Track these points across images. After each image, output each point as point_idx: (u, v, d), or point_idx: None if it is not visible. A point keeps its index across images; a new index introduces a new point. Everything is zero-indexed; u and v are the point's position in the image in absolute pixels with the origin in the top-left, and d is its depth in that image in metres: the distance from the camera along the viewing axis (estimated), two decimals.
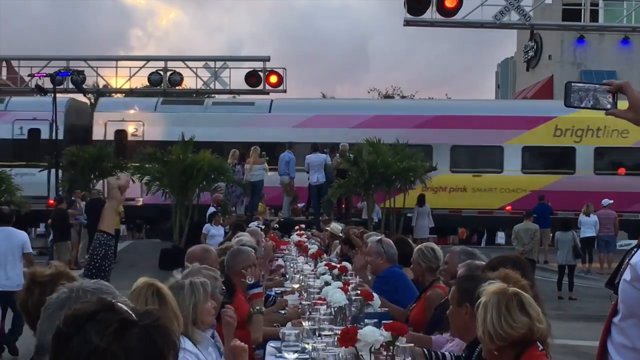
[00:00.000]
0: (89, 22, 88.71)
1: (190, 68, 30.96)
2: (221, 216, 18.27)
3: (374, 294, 5.70)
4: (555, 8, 30.65)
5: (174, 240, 20.38)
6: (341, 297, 5.33)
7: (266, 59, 30.46)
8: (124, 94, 32.40)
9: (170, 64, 30.83)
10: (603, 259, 20.57)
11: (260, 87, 29.86)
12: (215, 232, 17.25)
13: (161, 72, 30.27)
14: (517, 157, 24.27)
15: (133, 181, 21.40)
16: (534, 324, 3.29)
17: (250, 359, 4.83)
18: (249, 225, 13.38)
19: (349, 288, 5.89)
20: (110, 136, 25.36)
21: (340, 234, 12.17)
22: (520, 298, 3.32)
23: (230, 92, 31.44)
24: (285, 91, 30.11)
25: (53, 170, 22.90)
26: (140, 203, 23.75)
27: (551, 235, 21.27)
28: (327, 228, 13.97)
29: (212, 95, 32.73)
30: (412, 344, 3.90)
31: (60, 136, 24.70)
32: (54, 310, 2.39)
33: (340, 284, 5.93)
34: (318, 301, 5.50)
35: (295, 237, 13.40)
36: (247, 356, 4.37)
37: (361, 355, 3.75)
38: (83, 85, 28.14)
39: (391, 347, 3.75)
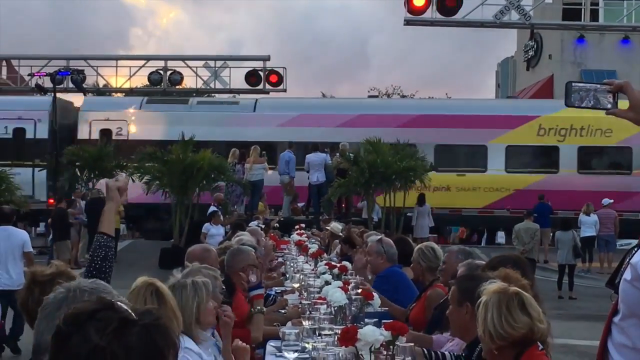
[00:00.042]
0: (89, 21, 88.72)
1: (190, 67, 30.95)
2: (223, 215, 18.30)
3: (374, 294, 5.70)
4: (556, 7, 30.63)
5: (173, 240, 20.39)
6: (341, 296, 5.33)
7: (266, 59, 30.45)
8: (124, 93, 32.41)
9: (170, 63, 30.83)
10: (603, 258, 20.57)
11: (260, 86, 29.85)
12: (215, 231, 17.27)
13: (161, 72, 30.26)
14: (501, 157, 24.25)
15: (133, 180, 21.51)
16: (534, 324, 3.29)
17: (251, 358, 4.83)
18: (249, 225, 13.39)
19: (349, 287, 5.89)
20: (95, 135, 25.25)
21: (340, 234, 12.18)
22: (521, 298, 3.32)
23: (230, 91, 31.45)
24: (285, 90, 30.12)
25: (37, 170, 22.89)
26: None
27: (551, 234, 21.28)
28: (327, 227, 13.98)
29: (213, 94, 32.76)
30: (412, 344, 3.89)
31: (45, 135, 24.78)
32: (52, 310, 2.39)
33: (340, 283, 5.94)
34: (318, 300, 5.49)
35: (295, 236, 13.41)
36: (249, 357, 4.37)
37: (361, 354, 3.75)
38: (83, 85, 28.14)
39: (391, 347, 3.75)
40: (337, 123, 24.66)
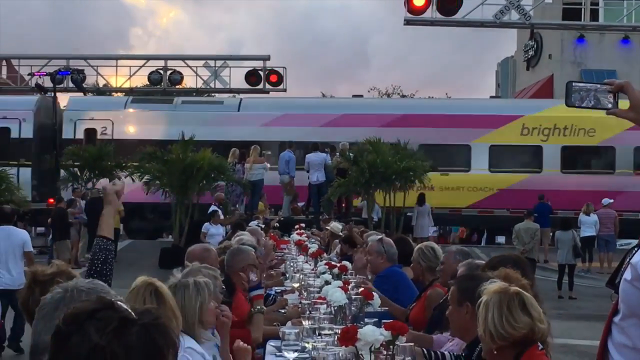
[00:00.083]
0: (89, 21, 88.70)
1: (190, 67, 30.95)
2: (224, 215, 18.32)
3: (374, 293, 5.70)
4: (556, 7, 30.66)
5: (173, 239, 20.39)
6: (341, 296, 5.33)
7: (266, 58, 30.45)
8: (124, 93, 32.40)
9: (170, 63, 30.82)
10: (603, 258, 20.56)
11: (260, 86, 29.85)
12: (214, 231, 17.28)
13: (161, 71, 30.25)
14: (485, 156, 24.24)
15: (133, 180, 21.53)
16: (535, 324, 3.29)
17: (251, 358, 4.83)
18: (249, 224, 13.39)
19: (349, 287, 5.89)
20: (80, 135, 25.24)
21: (340, 233, 12.18)
22: (522, 298, 3.31)
23: (230, 91, 31.44)
24: (285, 90, 30.12)
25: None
26: None
27: (551, 234, 21.28)
28: (327, 227, 13.98)
29: (213, 94, 32.76)
30: (412, 343, 3.89)
31: (30, 135, 24.79)
32: (49, 311, 2.39)
33: (340, 283, 5.93)
34: (318, 300, 5.49)
35: (295, 236, 13.41)
36: (250, 357, 4.37)
37: (361, 354, 3.75)
38: (83, 84, 28.14)
39: (391, 347, 3.75)
40: (321, 123, 24.71)
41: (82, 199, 21.25)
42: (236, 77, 30.45)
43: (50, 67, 27.28)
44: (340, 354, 3.82)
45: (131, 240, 25.08)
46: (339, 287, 5.58)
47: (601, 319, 2.97)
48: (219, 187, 20.67)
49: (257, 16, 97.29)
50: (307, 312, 5.17)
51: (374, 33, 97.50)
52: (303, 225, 17.16)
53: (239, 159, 21.44)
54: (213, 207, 18.50)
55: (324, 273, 6.83)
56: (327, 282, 6.20)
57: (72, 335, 1.72)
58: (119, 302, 1.80)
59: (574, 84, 2.89)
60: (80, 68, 27.98)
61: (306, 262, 9.12)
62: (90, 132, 25.22)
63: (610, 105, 2.85)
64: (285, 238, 14.79)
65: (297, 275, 8.02)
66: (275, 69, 30.23)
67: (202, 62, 31.20)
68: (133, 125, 25.24)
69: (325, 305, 5.33)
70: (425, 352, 4.30)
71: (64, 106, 26.85)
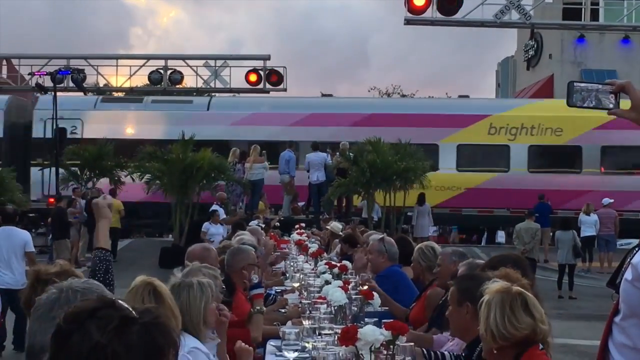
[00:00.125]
0: (89, 20, 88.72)
1: (190, 67, 30.90)
2: (225, 214, 18.32)
3: (374, 293, 5.70)
4: (556, 7, 30.62)
5: (173, 239, 20.39)
6: (341, 296, 5.33)
7: (266, 58, 30.39)
8: (124, 93, 32.38)
9: (170, 62, 30.76)
10: (603, 258, 20.55)
11: (261, 86, 29.82)
12: (214, 230, 17.29)
13: (161, 71, 30.20)
14: (452, 155, 24.23)
15: (133, 179, 21.55)
16: (537, 325, 3.29)
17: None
18: (249, 224, 13.39)
19: (349, 287, 5.89)
20: (50, 134, 25.16)
21: (341, 233, 12.18)
22: (525, 298, 3.31)
23: (230, 90, 31.39)
24: (285, 90, 30.06)
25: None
26: None
27: (551, 234, 21.28)
28: (327, 227, 13.98)
29: (213, 94, 32.72)
30: (412, 343, 3.89)
31: (0, 134, 24.80)
32: (44, 311, 2.38)
33: (340, 282, 5.93)
34: (318, 300, 5.49)
35: (295, 235, 13.41)
36: (252, 358, 4.37)
37: (361, 354, 3.75)
38: (83, 84, 28.13)
39: (391, 346, 3.74)
40: (290, 122, 24.80)
41: (82, 199, 21.25)
42: (236, 76, 30.41)
43: (51, 67, 27.22)
44: (340, 354, 3.82)
45: (131, 240, 25.11)
46: (339, 286, 5.58)
47: (601, 319, 2.97)
48: (219, 186, 20.67)
49: (257, 16, 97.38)
50: (307, 312, 5.17)
51: (374, 33, 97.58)
52: (303, 225, 17.16)
53: (239, 158, 21.44)
54: (214, 207, 18.50)
55: (324, 273, 6.83)
56: (327, 282, 6.20)
57: (73, 334, 1.72)
58: (119, 301, 1.80)
59: (575, 84, 2.89)
60: (81, 68, 27.95)
61: (306, 261, 9.12)
62: (60, 131, 25.19)
63: (611, 106, 2.84)
64: (286, 238, 14.78)
65: (297, 275, 8.03)
66: (276, 68, 30.16)
67: (202, 62, 31.14)
68: (103, 124, 25.16)
69: (325, 305, 5.33)
70: (425, 352, 4.30)
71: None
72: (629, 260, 2.73)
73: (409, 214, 21.67)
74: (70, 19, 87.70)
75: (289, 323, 5.62)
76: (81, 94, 28.38)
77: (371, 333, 3.74)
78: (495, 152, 24.64)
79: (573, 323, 13.50)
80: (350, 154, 20.76)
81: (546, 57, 35.92)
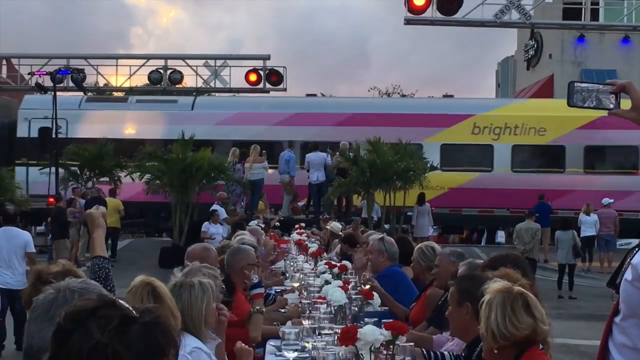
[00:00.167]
0: (89, 20, 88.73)
1: (190, 66, 30.93)
2: (226, 214, 18.35)
3: (374, 293, 5.70)
4: (556, 7, 30.62)
5: (173, 239, 20.40)
6: (341, 295, 5.33)
7: (266, 58, 30.42)
8: (124, 93, 32.39)
9: (170, 62, 30.80)
10: (603, 258, 20.55)
11: (261, 85, 29.83)
12: (214, 230, 17.30)
13: (161, 71, 30.23)
14: (436, 155, 24.12)
15: (132, 179, 21.55)
16: (538, 325, 3.29)
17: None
18: (249, 224, 13.39)
19: (349, 287, 5.89)
20: (35, 134, 25.21)
21: (340, 233, 12.18)
22: (526, 298, 3.31)
23: (230, 90, 31.41)
24: (285, 90, 30.08)
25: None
26: None
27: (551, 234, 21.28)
28: (327, 227, 13.97)
29: (212, 94, 32.74)
30: (412, 343, 3.89)
31: None
32: (42, 312, 2.37)
33: (340, 282, 5.93)
34: (318, 300, 5.49)
35: (295, 235, 13.40)
36: (252, 358, 4.37)
37: (361, 354, 3.75)
38: (83, 84, 28.13)
39: (391, 346, 3.74)
40: (274, 121, 24.82)
41: (82, 198, 21.25)
42: (236, 76, 30.45)
43: (51, 67, 27.24)
44: (340, 354, 3.81)
45: (131, 240, 25.12)
46: (339, 286, 5.58)
47: (601, 319, 2.97)
48: (218, 186, 20.67)
49: (257, 16, 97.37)
50: (307, 312, 5.17)
51: (374, 33, 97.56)
52: (303, 224, 17.16)
53: (239, 158, 21.45)
54: (215, 206, 18.50)
55: (324, 273, 6.83)
56: (327, 282, 6.20)
57: (73, 333, 1.72)
58: (120, 301, 1.80)
59: (575, 84, 2.88)
60: (81, 67, 27.95)
61: (306, 261, 9.12)
62: (45, 131, 25.19)
63: (612, 106, 2.84)
64: (285, 237, 14.79)
65: (297, 274, 8.02)
66: (276, 68, 30.19)
67: (202, 62, 31.17)
68: (87, 124, 25.14)
69: (325, 305, 5.33)
70: (425, 352, 4.30)
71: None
72: (629, 260, 2.73)
73: (408, 213, 21.66)
74: (70, 19, 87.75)
75: (289, 323, 5.62)
76: (67, 93, 28.36)
77: (371, 333, 3.74)
78: (479, 152, 24.64)
79: (573, 323, 13.50)
80: (350, 153, 20.76)
81: (546, 57, 35.91)
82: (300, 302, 6.20)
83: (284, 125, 24.46)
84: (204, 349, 3.92)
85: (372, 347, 3.72)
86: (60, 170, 22.79)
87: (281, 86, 30.01)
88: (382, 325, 3.88)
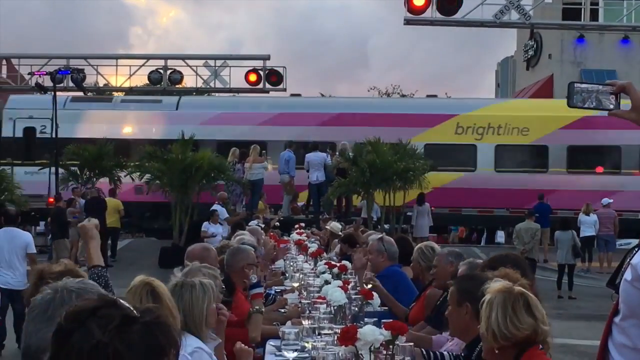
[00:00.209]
0: (89, 20, 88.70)
1: (190, 67, 30.94)
2: (227, 214, 18.37)
3: (374, 293, 5.70)
4: (555, 7, 30.64)
5: (173, 239, 20.40)
6: (341, 295, 5.33)
7: (266, 58, 30.43)
8: (124, 93, 32.40)
9: (170, 62, 30.81)
10: (603, 258, 20.55)
11: (260, 85, 29.84)
12: (213, 230, 17.31)
13: (161, 71, 30.24)
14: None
15: (132, 179, 21.51)
16: (538, 326, 3.29)
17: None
18: (249, 224, 13.39)
19: (349, 287, 5.89)
20: (19, 133, 25.15)
21: (340, 233, 12.17)
22: (527, 299, 3.31)
23: (230, 90, 31.42)
24: (285, 90, 30.10)
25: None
26: None
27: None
28: (327, 227, 13.97)
29: (212, 93, 32.76)
30: (412, 343, 3.89)
31: None
32: (39, 312, 2.37)
33: (340, 282, 5.93)
34: (318, 300, 5.49)
35: (295, 235, 13.40)
36: (252, 359, 4.38)
37: (361, 354, 3.75)
38: (83, 84, 28.14)
39: (391, 346, 3.75)
40: (258, 121, 24.82)
41: (81, 198, 21.25)
42: (236, 76, 30.46)
43: (50, 67, 27.24)
44: (340, 354, 3.82)
45: (131, 240, 25.12)
46: (338, 286, 5.58)
47: (601, 319, 2.97)
48: (218, 186, 20.67)
49: (257, 16, 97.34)
50: (307, 312, 5.17)
51: (374, 33, 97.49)
52: (303, 224, 17.16)
53: (239, 158, 21.45)
54: (215, 206, 18.50)
55: (323, 273, 6.83)
56: (326, 282, 6.20)
57: (74, 333, 1.72)
58: (120, 300, 1.80)
59: (575, 85, 2.89)
60: (80, 67, 27.96)
61: (306, 261, 9.12)
62: (30, 131, 25.10)
63: (612, 107, 2.84)
64: (285, 237, 14.78)
65: (297, 274, 8.02)
66: (275, 68, 30.20)
67: (202, 62, 31.18)
68: (72, 123, 25.06)
69: (325, 305, 5.33)
70: (424, 352, 4.30)
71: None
72: (628, 260, 2.73)
73: (408, 214, 21.66)
74: (70, 19, 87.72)
75: (289, 323, 5.62)
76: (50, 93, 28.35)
77: (371, 333, 3.74)
78: (462, 152, 24.59)
79: (573, 323, 13.50)
80: (350, 154, 20.76)
81: (546, 57, 35.92)
82: (300, 302, 6.20)
83: (268, 125, 24.50)
84: (205, 349, 3.93)
85: (372, 347, 3.73)
86: (47, 170, 22.83)
87: (281, 86, 30.02)
88: (382, 325, 3.89)
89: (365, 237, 9.26)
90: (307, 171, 21.31)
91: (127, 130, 24.30)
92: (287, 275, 9.00)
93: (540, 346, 3.34)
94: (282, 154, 21.97)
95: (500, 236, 29.03)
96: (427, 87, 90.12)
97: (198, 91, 31.67)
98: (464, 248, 21.45)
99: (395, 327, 3.80)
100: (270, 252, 9.90)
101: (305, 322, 4.90)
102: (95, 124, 24.43)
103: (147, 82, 30.95)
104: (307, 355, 4.34)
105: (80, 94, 28.45)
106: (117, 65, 31.22)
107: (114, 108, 25.75)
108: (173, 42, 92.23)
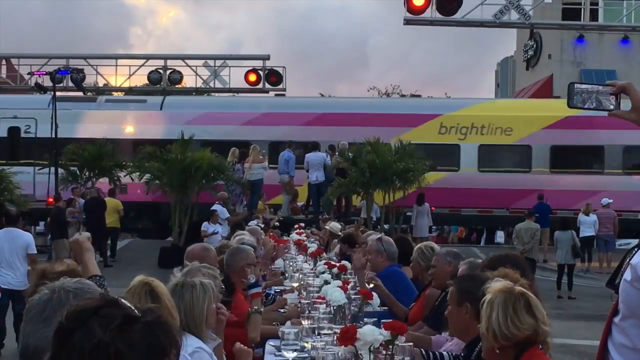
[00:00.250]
0: (88, 20, 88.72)
1: (190, 67, 30.95)
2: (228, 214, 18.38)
3: (373, 293, 5.70)
4: (555, 7, 30.66)
5: (173, 239, 20.40)
6: (340, 295, 5.33)
7: (266, 58, 30.44)
8: (123, 93, 32.40)
9: (170, 62, 30.82)
10: (602, 258, 20.55)
11: (260, 85, 29.85)
12: (213, 229, 17.30)
13: (161, 71, 30.25)
14: None
15: (132, 179, 21.49)
16: (539, 326, 3.29)
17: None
18: (249, 224, 13.39)
19: (348, 287, 5.89)
20: (3, 133, 25.05)
21: (340, 233, 12.17)
22: (528, 299, 3.31)
23: (230, 90, 31.43)
24: (284, 90, 30.12)
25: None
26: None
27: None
28: (326, 227, 13.97)
29: (212, 93, 32.76)
30: (411, 343, 3.89)
31: None
32: (36, 313, 2.37)
33: (339, 282, 5.93)
34: (317, 300, 5.49)
35: (294, 235, 13.40)
36: (251, 359, 4.37)
37: (360, 354, 3.75)
38: (83, 84, 28.14)
39: (390, 346, 3.74)
40: (242, 121, 24.81)
41: (81, 198, 21.25)
42: (236, 76, 30.49)
43: (50, 67, 27.24)
44: (339, 354, 3.81)
45: (131, 240, 25.10)
46: (338, 286, 5.58)
47: (600, 319, 2.97)
48: (218, 186, 20.67)
49: (257, 16, 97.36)
50: (307, 312, 5.17)
51: (373, 33, 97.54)
52: (302, 225, 17.16)
53: (238, 158, 21.45)
54: (215, 206, 18.50)
55: (323, 273, 6.82)
56: (326, 282, 6.19)
57: (75, 332, 1.72)
58: (122, 300, 1.80)
59: (576, 85, 2.88)
60: (80, 67, 27.95)
61: (305, 261, 9.12)
62: (14, 131, 25.03)
63: (612, 107, 2.84)
64: (285, 237, 14.78)
65: (297, 274, 8.02)
66: (275, 68, 30.22)
67: (201, 62, 31.20)
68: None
69: (324, 305, 5.32)
70: (424, 352, 4.30)
71: None
72: (628, 260, 2.73)
73: (408, 214, 21.65)
74: (70, 19, 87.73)
75: (288, 323, 5.62)
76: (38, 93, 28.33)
77: (370, 333, 3.74)
78: (445, 152, 24.52)
79: (572, 323, 13.50)
80: (350, 154, 20.76)
81: (545, 57, 35.92)
82: (300, 302, 6.19)
83: (252, 125, 24.54)
84: (206, 349, 3.93)
85: (372, 347, 3.72)
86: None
87: (281, 86, 30.04)
88: (382, 326, 3.88)
89: (365, 237, 9.26)
90: (307, 171, 21.33)
91: (111, 130, 24.25)
92: (286, 275, 8.99)
93: (540, 346, 3.34)
94: (281, 154, 21.97)
95: (500, 236, 29.03)
96: (427, 87, 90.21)
97: (198, 91, 31.68)
98: (463, 248, 21.49)
99: (394, 327, 3.80)
100: (269, 252, 9.90)
101: (305, 322, 4.89)
102: (79, 124, 24.41)
103: (147, 82, 30.96)
104: (306, 355, 4.34)
105: (71, 94, 28.42)
106: (116, 66, 31.23)
107: (98, 108, 25.69)
108: (173, 42, 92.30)
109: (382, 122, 23.98)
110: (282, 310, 6.53)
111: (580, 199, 21.60)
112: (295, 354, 4.32)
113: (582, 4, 25.28)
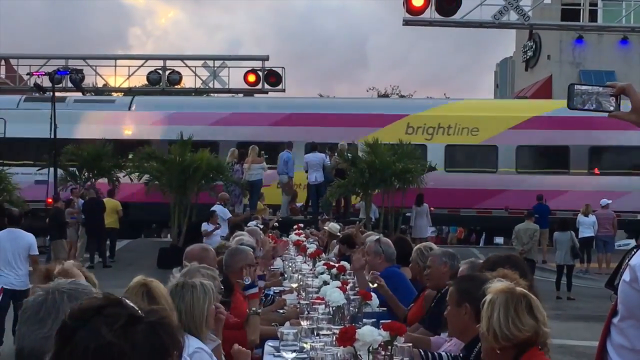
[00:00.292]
0: (88, 20, 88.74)
1: (189, 67, 30.94)
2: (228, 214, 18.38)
3: (372, 294, 5.70)
4: (554, 8, 30.68)
5: (172, 239, 20.39)
6: (339, 296, 5.33)
7: (265, 58, 30.45)
8: (122, 93, 32.38)
9: (169, 63, 30.82)
10: (601, 259, 20.55)
11: (259, 86, 29.86)
12: (211, 230, 17.31)
13: (160, 71, 30.25)
14: None
15: (131, 180, 21.45)
16: (539, 327, 3.29)
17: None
18: (248, 225, 13.39)
19: (347, 287, 5.89)
20: None
21: (339, 234, 12.16)
22: (529, 300, 3.31)
23: (229, 91, 31.44)
24: (284, 90, 30.13)
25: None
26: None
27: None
28: (325, 227, 13.97)
29: (212, 94, 32.76)
30: (410, 344, 3.89)
31: None
32: (32, 314, 2.36)
33: (338, 283, 5.93)
34: (316, 300, 5.49)
35: (293, 236, 13.40)
36: None
37: (359, 354, 3.75)
38: (82, 84, 28.13)
39: (389, 347, 3.74)
40: (211, 121, 24.84)
41: (80, 199, 21.23)
42: (235, 77, 30.53)
43: (49, 67, 27.23)
44: (338, 354, 3.81)
45: (130, 240, 25.08)
46: (337, 287, 5.58)
47: (600, 320, 2.97)
48: (217, 187, 20.66)
49: (256, 16, 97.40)
50: (306, 313, 5.17)
51: (373, 33, 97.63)
52: (302, 225, 17.16)
53: (238, 159, 21.44)
54: (215, 207, 18.50)
55: (322, 273, 6.82)
56: (325, 283, 6.20)
57: (79, 331, 1.71)
58: (125, 300, 1.80)
59: (575, 87, 2.88)
60: (79, 68, 27.93)
61: (304, 262, 9.12)
62: None
63: (612, 108, 2.84)
64: (284, 238, 14.77)
65: (296, 275, 8.02)
66: (274, 69, 30.23)
67: (200, 62, 31.20)
68: (25, 123, 24.93)
69: (323, 306, 5.32)
70: (423, 353, 4.30)
71: None
72: (627, 261, 2.73)
73: (407, 214, 21.65)
74: (69, 19, 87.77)
75: (287, 323, 5.62)
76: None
77: (369, 334, 3.74)
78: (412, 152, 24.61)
79: (571, 324, 13.50)
80: (349, 154, 20.75)
81: (545, 58, 35.94)
82: (299, 302, 6.19)
83: (220, 125, 24.57)
84: (206, 350, 3.93)
85: (371, 348, 3.72)
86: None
87: (280, 87, 30.04)
88: (381, 326, 3.88)
89: (364, 238, 9.26)
90: (306, 172, 21.32)
91: (79, 130, 24.21)
92: (285, 275, 8.99)
93: (540, 347, 3.34)
94: (281, 155, 21.98)
95: (499, 237, 29.02)
96: (426, 87, 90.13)
97: (197, 92, 31.68)
98: (462, 249, 21.49)
99: (393, 327, 3.80)
100: (269, 253, 9.90)
101: (304, 323, 4.89)
102: (48, 124, 24.47)
103: (146, 82, 30.96)
104: (305, 355, 4.33)
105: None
106: (115, 66, 31.23)
107: (66, 108, 25.59)
108: (172, 42, 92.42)
109: (350, 122, 24.09)
110: (281, 311, 6.53)
111: (547, 199, 21.74)
112: (294, 354, 4.31)
113: (581, 4, 25.28)
